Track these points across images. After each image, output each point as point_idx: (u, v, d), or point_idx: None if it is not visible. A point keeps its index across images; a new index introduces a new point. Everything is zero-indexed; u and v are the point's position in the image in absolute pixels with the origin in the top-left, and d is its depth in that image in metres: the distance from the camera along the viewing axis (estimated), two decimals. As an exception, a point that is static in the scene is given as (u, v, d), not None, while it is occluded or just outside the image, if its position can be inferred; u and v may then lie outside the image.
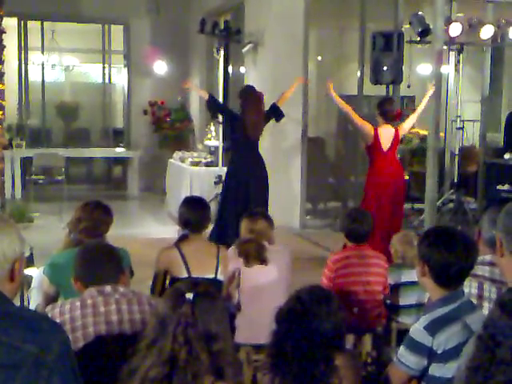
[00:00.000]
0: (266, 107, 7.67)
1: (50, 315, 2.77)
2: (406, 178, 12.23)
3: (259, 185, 7.54)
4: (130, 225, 9.72)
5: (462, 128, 10.45)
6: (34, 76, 13.80)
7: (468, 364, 1.84)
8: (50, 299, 3.63)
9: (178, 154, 11.10)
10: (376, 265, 4.52)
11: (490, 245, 3.28)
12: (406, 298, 4.53)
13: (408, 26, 9.80)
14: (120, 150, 13.59)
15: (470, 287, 3.27)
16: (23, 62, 13.43)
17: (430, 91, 7.81)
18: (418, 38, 9.61)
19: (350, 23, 12.13)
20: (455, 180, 10.38)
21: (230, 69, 10.58)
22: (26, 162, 11.79)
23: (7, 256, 2.00)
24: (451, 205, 10.15)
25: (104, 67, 14.17)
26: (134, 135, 14.03)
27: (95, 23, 13.85)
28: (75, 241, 3.82)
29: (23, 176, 11.80)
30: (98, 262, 2.96)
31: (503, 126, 13.80)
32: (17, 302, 4.68)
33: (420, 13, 9.57)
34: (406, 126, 7.57)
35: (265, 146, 10.00)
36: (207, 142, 11.86)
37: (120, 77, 14.60)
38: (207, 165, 10.37)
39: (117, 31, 13.95)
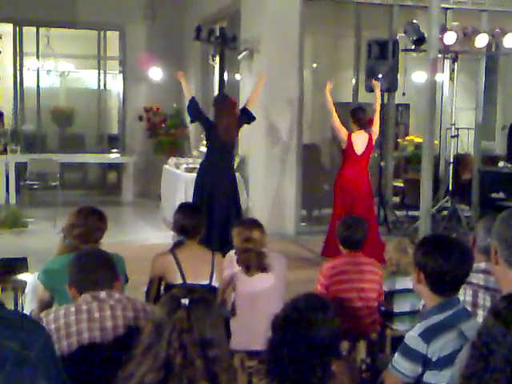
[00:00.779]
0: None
1: (44, 321, 2.77)
2: (400, 184, 12.30)
3: (227, 190, 7.64)
4: (125, 231, 9.71)
5: (457, 136, 10.48)
6: (29, 82, 13.79)
7: (462, 372, 1.85)
8: (45, 305, 3.62)
9: (172, 160, 11.09)
10: (370, 272, 4.52)
11: (485, 253, 3.29)
12: (401, 306, 4.54)
13: (403, 34, 9.85)
14: (115, 156, 13.58)
15: (464, 295, 3.28)
16: (18, 67, 13.41)
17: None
18: (413, 47, 9.66)
19: (345, 31, 12.16)
20: (450, 187, 10.41)
21: (225, 75, 10.58)
22: (20, 168, 11.77)
23: None
24: (446, 212, 10.17)
25: (99, 73, 14.17)
26: (128, 141, 14.03)
27: (91, 29, 13.85)
28: (70, 246, 3.81)
29: (18, 181, 11.77)
30: (92, 268, 2.95)
31: (497, 134, 13.86)
32: (11, 308, 4.67)
33: (415, 21, 9.62)
34: (375, 129, 8.03)
35: (260, 152, 10.04)
36: (202, 149, 11.85)
37: (115, 83, 14.60)
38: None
39: (112, 37, 13.96)
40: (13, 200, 11.56)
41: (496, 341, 1.76)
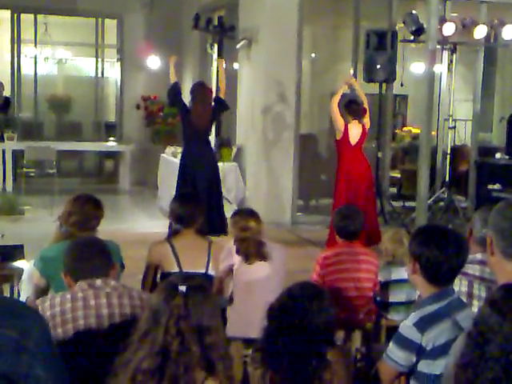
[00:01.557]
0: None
1: (40, 308, 2.77)
2: (397, 175, 12.31)
3: (208, 176, 7.80)
4: (122, 219, 9.71)
5: (454, 127, 10.48)
6: (27, 69, 13.74)
7: (457, 361, 1.86)
8: (41, 292, 3.63)
9: (170, 149, 11.08)
10: (366, 262, 4.53)
11: (481, 244, 3.30)
12: (396, 296, 4.55)
13: (402, 25, 9.83)
14: (112, 144, 13.56)
15: (459, 285, 3.29)
16: (16, 54, 13.37)
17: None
18: (412, 37, 9.64)
19: (344, 21, 12.14)
20: (447, 179, 10.42)
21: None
22: (17, 155, 11.75)
23: None
24: (442, 203, 10.19)
25: (97, 61, 14.13)
26: (126, 129, 14.01)
27: (89, 17, 13.80)
28: (66, 234, 3.82)
29: (14, 169, 11.76)
30: (87, 256, 2.95)
31: (495, 126, 13.87)
32: (7, 295, 4.68)
33: (414, 12, 9.60)
34: (367, 119, 8.20)
35: (257, 142, 10.03)
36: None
37: (113, 71, 14.55)
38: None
39: (110, 25, 13.91)
40: (9, 187, 11.54)
41: (492, 330, 1.77)
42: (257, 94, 10.10)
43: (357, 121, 8.06)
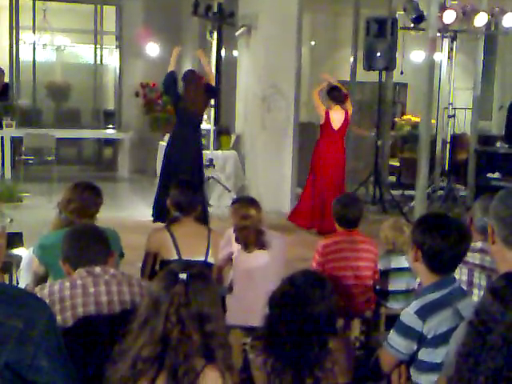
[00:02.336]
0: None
1: (38, 295, 2.76)
2: (396, 163, 12.30)
3: (191, 162, 8.05)
4: (120, 207, 9.69)
5: (454, 115, 10.46)
6: (25, 55, 13.67)
7: (458, 350, 1.85)
8: (40, 279, 3.62)
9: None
10: (366, 250, 4.52)
11: (482, 232, 3.29)
12: (396, 284, 4.55)
13: (402, 12, 9.79)
14: (111, 132, 13.53)
15: (460, 274, 3.29)
16: (14, 41, 13.30)
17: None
18: (412, 25, 9.60)
19: (344, 8, 12.10)
20: (446, 167, 10.41)
21: (222, 52, 10.53)
22: (15, 142, 11.72)
23: None
24: (441, 192, 10.18)
25: (96, 48, 14.05)
26: (125, 117, 13.96)
27: (87, 3, 13.74)
28: (65, 221, 3.81)
29: (13, 156, 11.74)
30: (85, 244, 2.95)
31: (495, 114, 13.84)
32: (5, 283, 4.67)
33: (414, -1, 9.55)
34: (349, 105, 8.68)
35: (256, 130, 10.01)
36: (198, 125, 11.81)
37: (112, 58, 14.50)
38: (198, 148, 10.34)
39: (109, 12, 13.84)
40: (8, 175, 11.52)
41: (494, 319, 1.76)
42: (256, 81, 10.07)
43: (339, 106, 8.48)
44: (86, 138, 14.04)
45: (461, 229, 2.81)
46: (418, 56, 12.79)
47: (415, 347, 2.73)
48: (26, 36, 13.74)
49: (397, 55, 9.84)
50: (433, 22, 8.70)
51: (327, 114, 8.48)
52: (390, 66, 9.72)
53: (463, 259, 2.96)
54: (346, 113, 8.54)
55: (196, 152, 8.18)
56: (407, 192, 10.80)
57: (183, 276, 2.25)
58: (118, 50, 14.04)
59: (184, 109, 8.02)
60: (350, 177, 11.00)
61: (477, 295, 3.24)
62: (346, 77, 11.25)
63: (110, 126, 13.85)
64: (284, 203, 9.84)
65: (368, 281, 4.52)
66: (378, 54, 9.46)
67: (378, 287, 4.61)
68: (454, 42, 10.22)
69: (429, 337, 2.69)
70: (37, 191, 10.31)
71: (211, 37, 10.24)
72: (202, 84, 8.21)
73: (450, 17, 9.33)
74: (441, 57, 11.07)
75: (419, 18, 9.35)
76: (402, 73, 10.56)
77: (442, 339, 2.65)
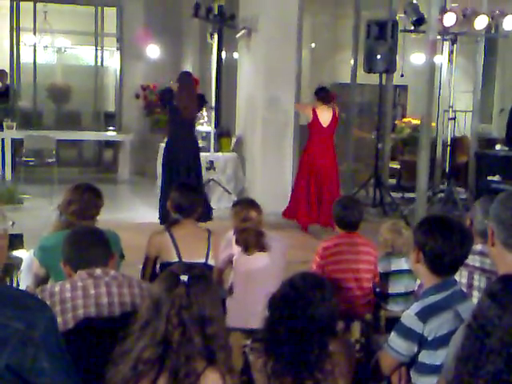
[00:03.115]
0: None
1: (39, 297, 2.76)
2: (396, 166, 12.30)
3: (189, 163, 8.25)
4: (121, 209, 9.69)
5: (454, 118, 10.46)
6: (26, 57, 13.68)
7: (457, 354, 1.85)
8: (40, 281, 3.63)
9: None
10: (366, 253, 4.52)
11: (481, 235, 3.29)
12: (395, 287, 4.55)
13: (403, 14, 9.80)
14: (111, 134, 13.53)
15: (460, 276, 3.29)
16: (15, 43, 13.30)
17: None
18: (412, 27, 9.61)
19: (344, 11, 12.11)
20: (446, 170, 10.41)
21: (223, 54, 10.54)
22: (16, 144, 11.72)
23: None
24: (442, 194, 10.18)
25: (96, 50, 14.05)
26: (125, 119, 13.97)
27: (88, 5, 13.74)
28: (66, 223, 3.81)
29: (13, 158, 11.74)
30: (86, 245, 2.95)
31: (495, 117, 13.84)
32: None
33: (415, 2, 9.57)
34: (335, 106, 8.71)
35: (257, 132, 10.02)
36: (199, 128, 11.81)
37: (112, 60, 14.49)
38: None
39: (110, 14, 13.85)
40: (8, 176, 11.53)
41: (492, 323, 1.76)
42: (256, 83, 10.08)
43: (326, 106, 8.54)
44: (86, 140, 14.03)
45: (462, 231, 2.82)
46: (418, 58, 12.79)
47: (416, 349, 2.74)
48: (26, 38, 13.74)
49: (397, 58, 9.84)
50: (433, 24, 8.70)
51: (314, 111, 8.55)
52: (390, 68, 9.72)
53: (464, 262, 2.97)
54: (334, 112, 8.60)
55: (193, 152, 8.34)
56: (407, 194, 10.80)
57: (184, 278, 2.25)
58: (118, 51, 14.04)
59: (177, 111, 8.17)
60: (351, 179, 11.01)
61: (477, 298, 3.24)
62: (347, 79, 11.26)
63: (111, 127, 13.83)
64: (284, 205, 9.82)
65: (368, 283, 4.52)
66: (379, 57, 9.46)
67: (377, 290, 4.61)
68: (455, 45, 10.21)
69: (429, 339, 2.70)
70: (37, 193, 10.31)
71: (212, 39, 10.24)
72: (195, 86, 8.38)
73: (450, 19, 9.34)
74: (441, 59, 11.08)
75: (420, 21, 9.36)
76: (402, 75, 10.57)
77: (442, 341, 2.66)
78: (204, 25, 11.32)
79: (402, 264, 4.53)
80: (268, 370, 2.58)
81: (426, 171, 8.75)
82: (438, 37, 9.59)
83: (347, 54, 11.42)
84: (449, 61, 10.55)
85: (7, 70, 13.34)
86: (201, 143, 10.73)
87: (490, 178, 10.06)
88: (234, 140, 10.81)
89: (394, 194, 10.57)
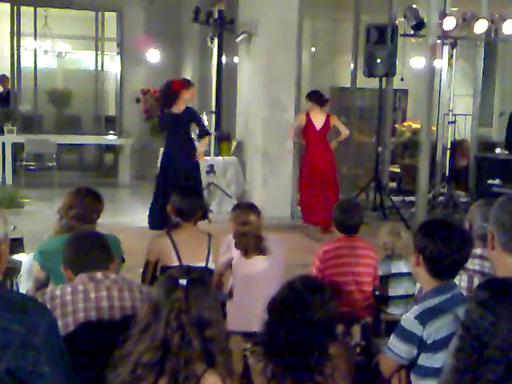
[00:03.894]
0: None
1: (40, 301, 2.77)
2: (397, 170, 12.30)
3: (189, 166, 8.34)
4: (121, 213, 9.69)
5: (454, 122, 10.46)
6: (27, 62, 13.71)
7: (454, 366, 1.82)
8: (40, 284, 3.63)
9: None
10: (366, 256, 4.52)
11: (481, 238, 3.30)
12: (395, 290, 4.55)
13: (402, 19, 9.80)
14: (112, 138, 13.54)
15: (459, 280, 3.28)
16: (16, 47, 13.33)
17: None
18: (412, 32, 9.61)
19: (344, 15, 12.12)
20: (446, 173, 10.41)
21: (223, 58, 10.54)
22: (17, 148, 11.73)
23: None
24: (442, 198, 10.18)
25: (97, 54, 14.08)
26: (125, 123, 13.99)
27: (88, 10, 13.76)
28: (66, 227, 3.81)
29: (14, 162, 11.75)
30: (87, 249, 2.96)
31: (495, 121, 13.84)
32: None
33: (414, 6, 9.57)
34: (335, 121, 8.91)
35: (257, 135, 10.02)
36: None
37: (113, 64, 14.52)
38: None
39: (110, 18, 13.88)
40: (9, 180, 11.54)
41: (488, 332, 1.73)
42: (257, 87, 10.09)
43: (319, 109, 8.71)
44: (86, 144, 14.05)
45: (462, 234, 2.82)
46: (418, 62, 12.80)
47: (415, 352, 2.74)
48: (27, 42, 13.78)
49: (397, 62, 9.85)
50: (433, 28, 8.73)
51: (308, 115, 8.72)
52: (390, 72, 9.73)
53: (464, 265, 2.97)
54: (328, 116, 8.75)
55: (189, 155, 8.38)
56: (408, 198, 10.79)
57: (183, 282, 2.26)
58: (119, 56, 14.07)
59: (169, 118, 8.32)
60: (351, 183, 11.02)
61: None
62: (347, 83, 11.26)
63: (111, 132, 13.86)
64: (284, 209, 9.84)
65: (368, 287, 4.52)
66: (379, 61, 9.47)
67: (377, 293, 4.62)
68: (454, 49, 10.22)
69: (429, 342, 2.70)
70: (38, 197, 10.32)
71: (212, 43, 10.26)
72: (183, 93, 8.35)
73: (450, 24, 9.34)
74: (441, 63, 11.08)
75: (419, 25, 9.36)
76: (402, 79, 10.56)
77: (441, 344, 2.66)
78: (204, 29, 11.34)
79: (401, 267, 4.53)
80: (268, 374, 2.58)
81: (426, 175, 8.76)
82: (438, 41, 9.60)
83: (347, 58, 11.43)
84: (449, 65, 10.56)
85: (8, 74, 13.37)
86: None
87: (490, 181, 10.07)
88: (234, 144, 10.82)
89: (394, 198, 10.57)
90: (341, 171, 11.10)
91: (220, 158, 10.28)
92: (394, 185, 12.15)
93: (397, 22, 10.09)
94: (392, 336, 2.81)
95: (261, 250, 4.25)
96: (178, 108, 8.31)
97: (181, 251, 4.22)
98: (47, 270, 3.64)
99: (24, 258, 4.47)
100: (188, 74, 12.93)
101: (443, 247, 2.74)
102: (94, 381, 2.38)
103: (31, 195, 10.30)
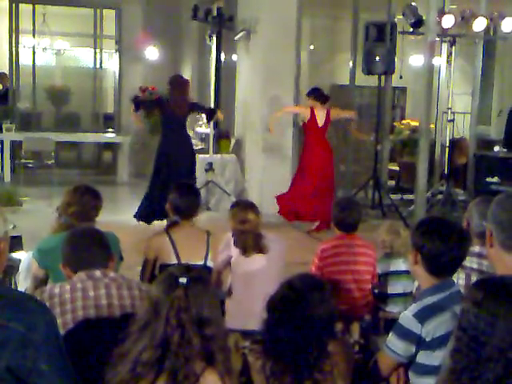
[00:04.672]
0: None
1: (39, 299, 2.77)
2: (395, 168, 12.31)
3: (185, 160, 8.34)
4: (120, 210, 9.68)
5: (453, 120, 10.46)
6: (25, 59, 13.67)
7: (451, 366, 1.82)
8: (39, 282, 3.63)
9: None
10: (365, 254, 4.53)
11: (479, 236, 3.30)
12: (394, 288, 4.55)
13: (401, 16, 9.80)
14: (110, 135, 13.53)
15: (457, 278, 3.29)
16: (14, 44, 13.30)
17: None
18: (411, 29, 9.61)
19: (343, 13, 12.11)
20: (445, 172, 10.41)
21: (222, 56, 10.54)
22: (15, 146, 11.72)
23: None
24: (440, 196, 10.18)
25: (95, 52, 14.04)
26: (124, 120, 13.96)
27: (87, 7, 13.75)
28: (65, 225, 3.81)
29: (13, 160, 11.74)
30: (86, 247, 2.96)
31: (494, 119, 13.85)
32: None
33: (413, 4, 9.57)
34: (334, 112, 8.91)
35: (255, 133, 10.02)
36: (198, 129, 11.84)
37: (111, 62, 14.50)
38: (198, 152, 10.34)
39: (109, 16, 13.85)
40: (8, 178, 11.52)
41: (485, 333, 1.73)
42: (255, 85, 10.09)
43: (320, 105, 8.68)
44: (85, 142, 14.02)
45: (460, 232, 2.82)
46: (417, 60, 12.80)
47: (414, 350, 2.74)
48: (25, 40, 13.74)
49: (396, 59, 9.85)
50: (432, 26, 8.72)
51: (312, 111, 8.68)
52: (389, 70, 9.74)
53: (462, 263, 2.97)
54: (328, 111, 8.74)
55: (188, 153, 8.45)
56: (406, 196, 10.80)
57: (183, 280, 2.26)
58: (117, 53, 14.04)
59: (169, 111, 8.27)
60: (350, 181, 11.02)
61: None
62: (345, 81, 11.27)
63: (110, 129, 13.84)
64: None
65: (367, 284, 4.53)
66: (377, 59, 9.47)
67: (376, 291, 4.62)
68: (453, 47, 10.22)
69: (427, 340, 2.70)
70: (36, 195, 10.30)
71: (210, 41, 10.25)
72: (186, 87, 8.42)
73: (448, 21, 9.34)
74: (440, 61, 11.07)
75: (418, 23, 9.36)
76: (401, 77, 10.56)
77: (440, 342, 2.66)
78: (203, 27, 11.35)
79: (400, 265, 4.54)
80: (267, 371, 2.59)
81: (424, 173, 8.76)
82: (437, 39, 9.60)
83: (346, 56, 11.43)
84: (447, 63, 10.55)
85: (6, 71, 13.35)
86: (200, 145, 10.76)
87: (488, 179, 10.08)
88: (233, 142, 10.82)
89: (392, 196, 10.57)
90: (339, 169, 11.11)
91: (219, 155, 10.28)
92: (392, 183, 12.15)
93: (395, 19, 10.09)
94: (390, 334, 2.82)
95: (260, 248, 4.25)
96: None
97: (179, 249, 4.22)
98: (46, 268, 3.64)
99: (23, 256, 4.47)
100: (187, 72, 12.94)
101: (441, 245, 2.75)
102: (93, 379, 2.38)
103: (30, 193, 10.29)
